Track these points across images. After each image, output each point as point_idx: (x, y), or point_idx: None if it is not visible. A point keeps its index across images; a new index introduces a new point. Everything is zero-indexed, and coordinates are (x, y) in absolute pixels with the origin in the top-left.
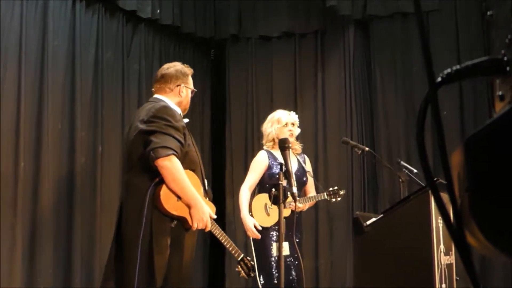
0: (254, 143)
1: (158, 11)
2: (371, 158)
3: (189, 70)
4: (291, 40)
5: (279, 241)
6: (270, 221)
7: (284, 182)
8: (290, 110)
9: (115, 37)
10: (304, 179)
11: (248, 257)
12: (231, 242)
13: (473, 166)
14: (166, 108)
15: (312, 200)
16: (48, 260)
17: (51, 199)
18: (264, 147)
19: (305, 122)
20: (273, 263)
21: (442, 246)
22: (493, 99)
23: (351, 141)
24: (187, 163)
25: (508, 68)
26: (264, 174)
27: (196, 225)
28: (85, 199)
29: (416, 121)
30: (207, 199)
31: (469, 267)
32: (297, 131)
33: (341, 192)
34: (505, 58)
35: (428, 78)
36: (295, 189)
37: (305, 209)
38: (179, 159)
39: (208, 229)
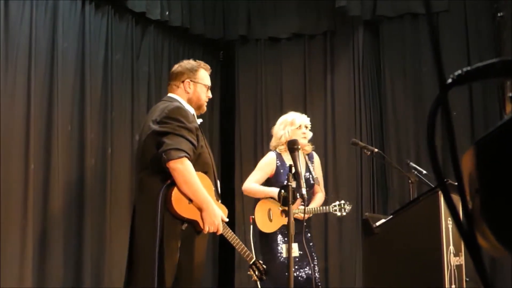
0: (263, 144)
1: (167, 12)
2: (380, 159)
3: (199, 66)
4: (301, 41)
5: (288, 242)
6: (272, 227)
7: (293, 184)
8: (300, 111)
9: (124, 39)
10: (312, 181)
11: (260, 261)
12: (243, 245)
13: (484, 168)
14: (180, 109)
15: (317, 211)
16: (58, 261)
17: (61, 200)
18: (275, 150)
19: (315, 123)
20: (280, 265)
21: (451, 247)
22: (503, 101)
23: (360, 142)
24: (200, 165)
25: None
26: (271, 179)
27: (207, 228)
28: (94, 201)
29: (426, 124)
30: (219, 201)
31: (480, 269)
32: (309, 134)
33: (347, 208)
34: None
35: (439, 80)
36: (304, 191)
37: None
38: (192, 161)
39: (219, 232)
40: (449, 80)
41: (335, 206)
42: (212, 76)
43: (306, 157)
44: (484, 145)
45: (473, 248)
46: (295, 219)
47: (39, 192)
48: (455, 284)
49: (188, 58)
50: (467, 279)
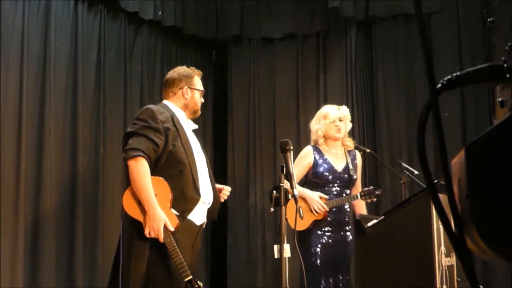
0: (256, 145)
1: (160, 12)
2: (372, 160)
3: (194, 72)
4: (294, 41)
5: (280, 243)
6: (303, 225)
7: (285, 184)
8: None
9: (117, 38)
10: (347, 177)
11: (197, 280)
12: (183, 261)
13: (474, 172)
14: (148, 110)
15: (340, 203)
16: (50, 260)
17: (53, 200)
18: (312, 143)
19: (307, 123)
20: (317, 264)
21: (443, 247)
22: (494, 105)
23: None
24: (172, 164)
25: (508, 75)
26: (308, 172)
27: (147, 232)
28: (87, 200)
29: (417, 127)
30: (210, 204)
31: (470, 272)
32: (348, 126)
33: (377, 193)
34: (506, 65)
35: (429, 84)
36: (296, 191)
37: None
38: (152, 160)
39: (161, 239)
40: (440, 85)
41: (363, 192)
42: (205, 76)
43: (347, 153)
44: (474, 149)
45: (462, 252)
46: (318, 220)
47: (30, 191)
48: (446, 284)
49: (181, 58)
50: (458, 279)
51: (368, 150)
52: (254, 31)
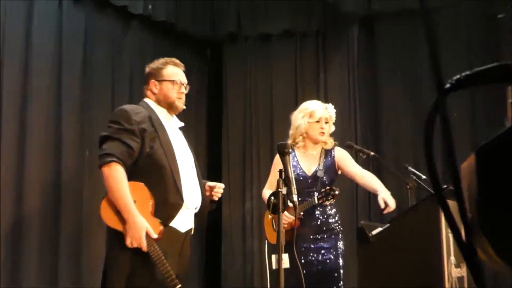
0: (252, 148)
1: (150, 6)
2: (376, 163)
3: (165, 62)
4: (292, 39)
5: (278, 253)
6: (275, 237)
7: (284, 190)
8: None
9: (105, 35)
10: (311, 182)
11: None
12: (169, 269)
13: (485, 178)
14: (121, 111)
15: (302, 209)
16: (33, 261)
17: (36, 202)
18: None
19: None
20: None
21: (452, 257)
22: (505, 106)
23: (355, 145)
24: (150, 168)
25: None
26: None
27: (129, 242)
28: (71, 203)
29: (423, 129)
30: (197, 208)
31: (480, 284)
32: (330, 129)
33: (335, 193)
34: None
35: (436, 84)
36: (295, 197)
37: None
38: (129, 165)
39: (144, 248)
40: (448, 85)
41: (321, 193)
42: (199, 74)
43: (323, 153)
44: (485, 153)
45: (472, 262)
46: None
47: (11, 194)
48: None
49: (174, 56)
50: None
51: (372, 153)
52: (251, 28)
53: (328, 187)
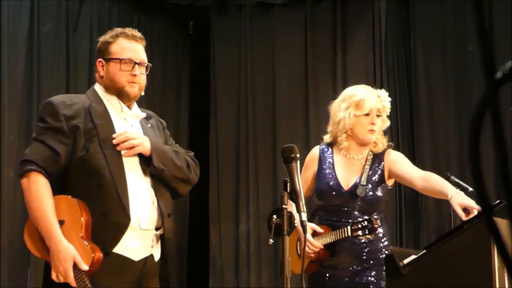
0: (249, 152)
1: None
2: None
3: (115, 35)
4: (301, 8)
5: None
6: (299, 266)
7: (289, 207)
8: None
9: (56, 5)
10: (349, 197)
11: None
12: None
13: None
14: (48, 104)
15: (331, 239)
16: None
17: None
18: (324, 140)
19: (320, 118)
20: None
21: None
22: None
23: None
24: (85, 176)
25: None
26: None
27: (54, 276)
28: (12, 217)
29: (470, 129)
30: (160, 229)
31: None
32: (384, 125)
33: (373, 226)
34: None
35: (486, 74)
36: (304, 216)
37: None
38: (54, 173)
39: (72, 284)
40: (500, 74)
41: (355, 223)
42: (178, 54)
43: (370, 159)
44: None
45: None
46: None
47: None
48: None
49: (146, 31)
50: None
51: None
52: None
53: (366, 218)
